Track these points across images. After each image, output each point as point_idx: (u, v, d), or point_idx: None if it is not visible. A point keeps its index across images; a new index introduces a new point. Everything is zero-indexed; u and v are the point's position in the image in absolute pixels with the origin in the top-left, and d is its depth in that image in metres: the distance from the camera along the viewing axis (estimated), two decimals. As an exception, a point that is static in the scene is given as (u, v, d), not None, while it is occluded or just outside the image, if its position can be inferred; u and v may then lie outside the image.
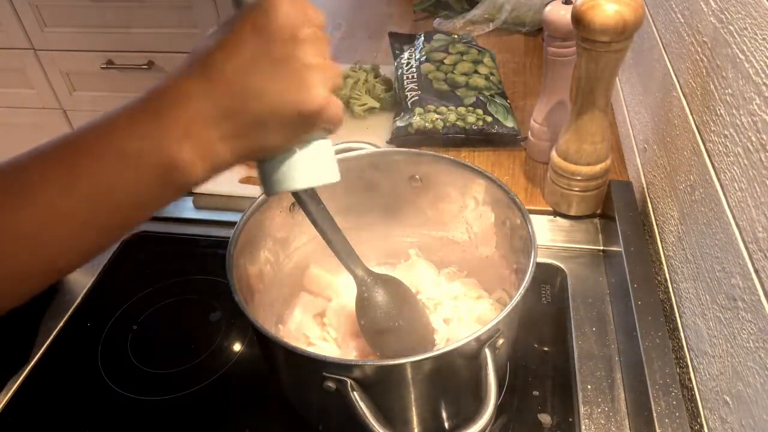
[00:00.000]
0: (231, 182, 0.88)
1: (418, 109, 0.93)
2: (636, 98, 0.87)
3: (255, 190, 0.84)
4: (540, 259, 0.73)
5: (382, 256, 0.71)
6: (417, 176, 0.65)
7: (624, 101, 0.95)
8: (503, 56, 1.13)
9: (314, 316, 0.65)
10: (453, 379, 0.51)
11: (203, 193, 0.87)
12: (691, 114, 0.62)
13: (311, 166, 0.43)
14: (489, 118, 0.91)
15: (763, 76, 0.46)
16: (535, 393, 0.62)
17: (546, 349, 0.66)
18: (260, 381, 0.64)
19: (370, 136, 0.95)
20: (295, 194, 0.57)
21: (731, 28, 0.53)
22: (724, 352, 0.50)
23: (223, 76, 0.37)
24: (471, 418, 0.46)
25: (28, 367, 0.67)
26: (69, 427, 0.62)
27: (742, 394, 0.46)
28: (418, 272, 0.68)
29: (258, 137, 0.39)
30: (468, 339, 0.47)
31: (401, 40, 1.13)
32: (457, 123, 0.91)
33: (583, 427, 0.58)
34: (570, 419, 0.59)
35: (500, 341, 0.49)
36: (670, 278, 0.66)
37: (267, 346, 0.54)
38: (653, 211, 0.75)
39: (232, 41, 0.37)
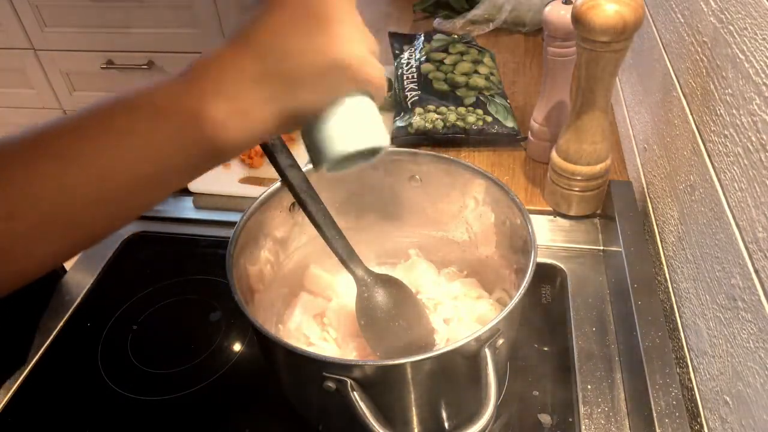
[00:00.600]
0: (231, 182, 0.88)
1: (418, 109, 0.93)
2: (636, 98, 0.87)
3: (255, 190, 0.84)
4: (540, 259, 0.73)
5: (382, 256, 0.71)
6: (417, 176, 0.65)
7: (624, 101, 0.95)
8: (503, 56, 1.13)
9: (314, 316, 0.65)
10: (453, 379, 0.51)
11: (203, 193, 0.87)
12: (691, 114, 0.62)
13: (356, 128, 0.42)
14: (489, 118, 0.91)
15: (763, 76, 0.46)
16: (535, 393, 0.62)
17: (546, 349, 0.66)
18: (260, 381, 0.64)
19: (370, 136, 0.94)
20: (296, 194, 0.57)
21: (731, 28, 0.53)
22: (724, 352, 0.50)
23: (259, 39, 0.37)
24: (471, 418, 0.46)
25: (28, 367, 0.67)
26: (69, 427, 0.62)
27: (742, 394, 0.46)
28: (418, 272, 0.68)
29: (295, 97, 0.38)
30: (468, 339, 0.47)
31: (401, 40, 1.13)
32: (457, 123, 0.91)
33: (583, 427, 0.58)
34: (570, 419, 0.59)
35: (500, 341, 0.49)
36: (670, 278, 0.66)
37: (267, 346, 0.54)
38: (653, 211, 0.75)
39: (269, 8, 0.38)
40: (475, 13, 1.22)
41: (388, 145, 0.44)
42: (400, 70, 1.02)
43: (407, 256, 0.71)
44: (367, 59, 0.40)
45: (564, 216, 0.81)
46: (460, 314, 0.64)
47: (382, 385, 0.48)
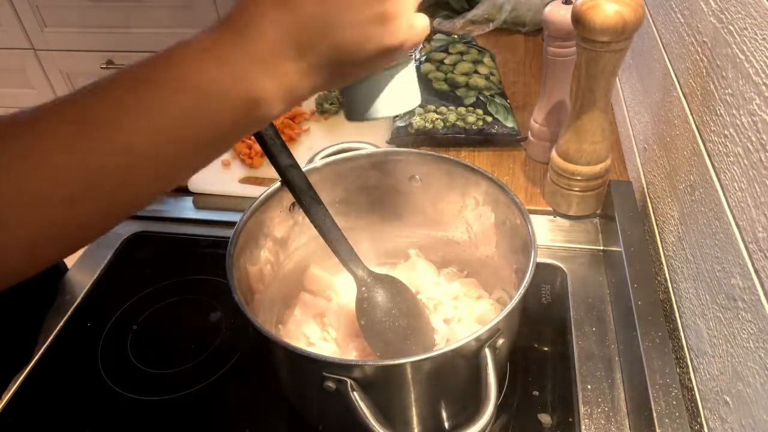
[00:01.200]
0: (231, 182, 0.88)
1: (418, 109, 0.93)
2: (636, 98, 0.87)
3: (255, 190, 0.84)
4: (540, 259, 0.73)
5: (382, 256, 0.71)
6: (417, 176, 0.65)
7: (624, 101, 0.95)
8: (503, 56, 1.13)
9: (314, 316, 0.65)
10: (453, 379, 0.51)
11: (203, 193, 0.87)
12: (691, 114, 0.62)
13: (396, 95, 0.44)
14: (489, 118, 0.91)
15: (763, 76, 0.46)
16: (535, 393, 0.62)
17: (546, 349, 0.66)
18: (260, 381, 0.64)
19: (370, 136, 0.95)
20: (295, 195, 0.57)
21: (731, 28, 0.53)
22: (724, 352, 0.50)
23: (303, 8, 0.36)
24: (471, 418, 0.46)
25: (29, 367, 0.67)
26: (69, 427, 0.62)
27: (742, 394, 0.46)
28: (418, 272, 0.68)
29: (339, 71, 0.38)
30: (468, 339, 0.47)
31: (401, 40, 1.13)
32: (457, 123, 0.91)
33: (583, 427, 0.58)
34: (570, 419, 0.59)
35: (500, 341, 0.49)
36: (670, 278, 0.66)
37: (267, 346, 0.53)
38: (653, 211, 0.75)
39: None
40: (475, 13, 1.22)
41: (419, 102, 0.47)
42: (400, 70, 1.02)
43: (407, 256, 0.71)
44: (416, 28, 0.39)
45: (564, 216, 0.81)
46: (460, 314, 0.64)
47: (382, 385, 0.49)
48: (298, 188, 0.57)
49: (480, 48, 1.06)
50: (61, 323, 0.72)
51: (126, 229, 0.83)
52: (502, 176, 0.86)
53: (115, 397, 0.64)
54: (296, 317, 0.65)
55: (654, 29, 0.79)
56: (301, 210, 0.58)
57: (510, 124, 0.91)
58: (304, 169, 0.58)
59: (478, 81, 0.97)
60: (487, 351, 0.48)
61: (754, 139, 0.47)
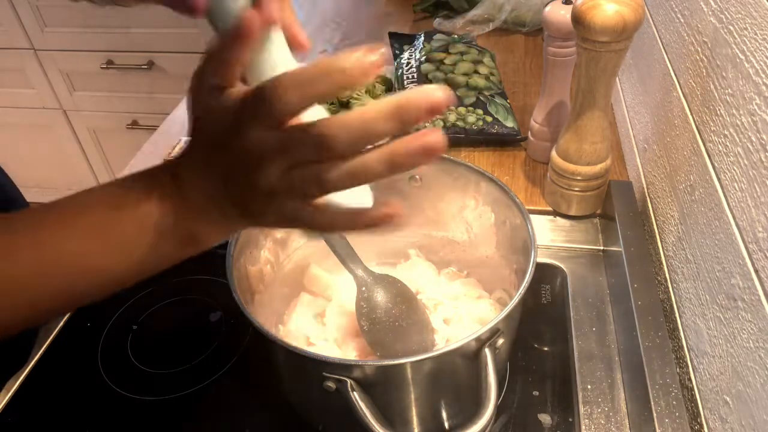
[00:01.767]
0: (231, 182, 0.88)
1: (418, 109, 0.93)
2: (636, 98, 0.87)
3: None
4: (540, 259, 0.73)
5: (382, 256, 0.71)
6: (417, 176, 0.65)
7: (624, 101, 0.95)
8: (503, 56, 1.13)
9: (314, 316, 0.65)
10: (453, 379, 0.51)
11: (203, 193, 0.87)
12: (691, 114, 0.62)
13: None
14: (489, 118, 0.91)
15: (763, 76, 0.46)
16: (535, 393, 0.62)
17: (546, 349, 0.66)
18: (260, 381, 0.64)
19: (370, 136, 0.94)
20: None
21: (731, 28, 0.53)
22: (724, 352, 0.50)
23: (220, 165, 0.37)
24: (471, 418, 0.46)
25: (28, 367, 0.67)
26: (69, 427, 0.62)
27: (742, 394, 0.46)
28: (418, 272, 0.68)
29: (264, 218, 0.38)
30: (468, 339, 0.47)
31: (401, 40, 1.13)
32: (457, 123, 0.91)
33: (583, 427, 0.58)
34: (570, 419, 0.59)
35: (500, 341, 0.49)
36: (670, 278, 0.66)
37: (267, 346, 0.53)
38: (653, 211, 0.75)
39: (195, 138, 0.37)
40: (475, 13, 1.22)
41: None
42: (400, 70, 1.02)
43: (407, 256, 0.71)
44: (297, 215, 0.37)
45: (564, 216, 0.81)
46: (460, 314, 0.64)
47: (382, 385, 0.48)
48: (298, 188, 0.56)
49: (480, 48, 1.06)
50: (61, 323, 0.72)
51: (126, 229, 0.83)
52: (502, 176, 0.86)
53: (115, 397, 0.64)
54: (296, 317, 0.65)
55: (654, 29, 0.79)
56: (301, 210, 0.58)
57: (510, 124, 0.91)
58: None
59: (478, 81, 0.97)
60: (487, 351, 0.48)
61: (754, 139, 0.47)
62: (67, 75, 1.96)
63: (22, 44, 1.89)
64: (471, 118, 0.91)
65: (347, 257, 0.58)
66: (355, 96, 1.00)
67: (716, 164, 0.55)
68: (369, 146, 0.35)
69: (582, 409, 0.60)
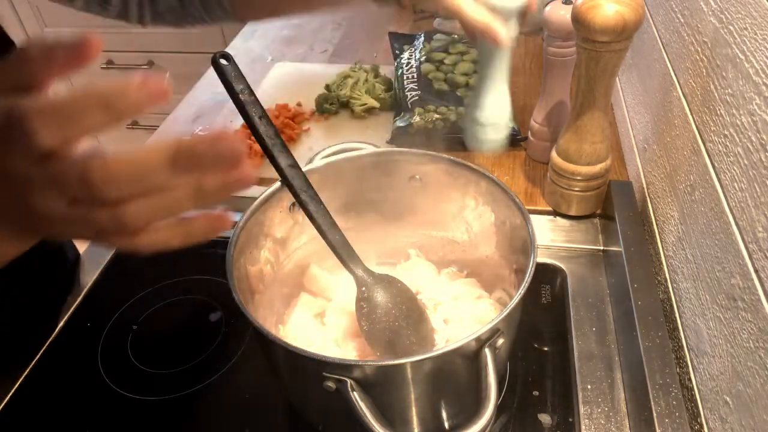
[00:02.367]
0: (231, 182, 0.88)
1: (418, 109, 0.93)
2: (636, 98, 0.87)
3: (255, 190, 0.84)
4: (540, 259, 0.73)
5: (382, 256, 0.71)
6: (417, 176, 0.65)
7: (624, 101, 0.95)
8: (503, 56, 1.13)
9: (314, 316, 0.65)
10: (453, 379, 0.51)
11: (203, 193, 0.87)
12: (691, 114, 0.62)
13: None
14: (489, 118, 0.91)
15: (763, 76, 0.46)
16: (535, 393, 0.62)
17: (546, 349, 0.66)
18: (260, 381, 0.64)
19: (370, 136, 0.95)
20: (295, 195, 0.57)
21: (731, 28, 0.53)
22: (724, 352, 0.50)
23: None
24: (471, 418, 0.46)
25: (28, 367, 0.67)
26: (69, 427, 0.62)
27: (742, 394, 0.46)
28: (418, 272, 0.68)
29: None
30: (468, 339, 0.47)
31: (401, 40, 1.13)
32: (457, 123, 0.91)
33: (583, 427, 0.58)
34: (570, 419, 0.59)
35: (500, 341, 0.49)
36: (670, 278, 0.66)
37: (267, 346, 0.53)
38: (653, 211, 0.75)
39: None
40: (475, 13, 1.22)
41: None
42: (400, 70, 1.02)
43: (407, 256, 0.71)
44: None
45: (564, 216, 0.81)
46: (460, 314, 0.64)
47: (382, 385, 0.48)
48: (298, 188, 0.57)
49: (480, 48, 1.06)
50: (61, 323, 0.72)
51: (126, 229, 0.83)
52: (502, 176, 0.86)
53: (115, 397, 0.64)
54: (296, 317, 0.65)
55: (654, 29, 0.79)
56: (301, 210, 0.58)
57: (510, 124, 0.91)
58: (304, 169, 0.58)
59: (478, 81, 0.97)
60: (487, 351, 0.48)
61: (754, 139, 0.47)
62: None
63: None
64: (471, 118, 0.91)
65: (347, 257, 0.58)
66: (355, 96, 1.00)
67: (716, 164, 0.55)
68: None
69: (582, 409, 0.60)
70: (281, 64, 1.17)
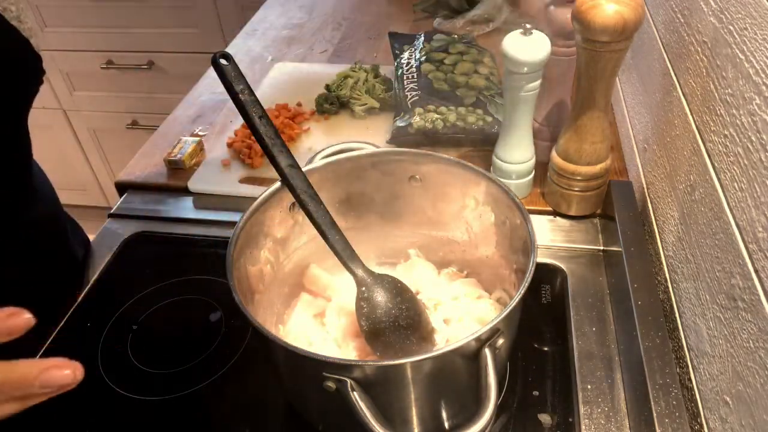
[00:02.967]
0: (231, 182, 0.88)
1: (418, 109, 0.93)
2: (636, 98, 0.87)
3: (255, 190, 0.84)
4: (540, 259, 0.73)
5: (382, 256, 0.71)
6: (417, 176, 0.65)
7: (624, 101, 0.95)
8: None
9: (314, 316, 0.65)
10: (453, 379, 0.51)
11: (203, 193, 0.88)
12: (691, 114, 0.62)
13: None
14: (489, 118, 0.91)
15: (763, 76, 0.46)
16: (535, 393, 0.62)
17: (546, 349, 0.66)
18: (260, 381, 0.64)
19: (370, 136, 0.95)
20: (295, 195, 0.57)
21: (731, 28, 0.53)
22: (724, 352, 0.50)
23: None
24: (471, 418, 0.46)
25: (28, 367, 0.67)
26: (69, 427, 0.62)
27: (742, 394, 0.46)
28: (418, 272, 0.68)
29: None
30: (468, 339, 0.47)
31: (401, 40, 1.13)
32: (457, 123, 0.91)
33: (583, 427, 0.58)
34: (570, 419, 0.59)
35: (500, 341, 0.49)
36: (670, 278, 0.66)
37: (267, 346, 0.54)
38: (653, 211, 0.75)
39: None
40: (475, 13, 1.22)
41: None
42: (400, 70, 1.02)
43: (407, 256, 0.71)
44: None
45: (564, 216, 0.81)
46: (460, 314, 0.64)
47: (382, 385, 0.48)
48: (298, 188, 0.57)
49: (480, 48, 1.06)
50: (61, 323, 0.72)
51: (126, 229, 0.83)
52: (502, 176, 0.86)
53: (115, 397, 0.64)
54: (296, 317, 0.65)
55: (654, 29, 0.79)
56: (301, 210, 0.58)
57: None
58: (304, 169, 0.58)
59: (478, 81, 0.97)
60: (487, 351, 0.48)
61: (754, 139, 0.47)
62: (67, 75, 1.96)
63: (22, 44, 1.88)
64: (471, 118, 0.91)
65: (347, 257, 0.58)
66: (355, 96, 1.00)
67: (716, 164, 0.55)
68: None
69: (582, 409, 0.60)
70: (281, 64, 1.17)
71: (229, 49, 1.13)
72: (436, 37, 1.08)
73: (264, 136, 0.55)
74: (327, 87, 1.04)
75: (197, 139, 0.94)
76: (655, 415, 0.52)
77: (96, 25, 1.81)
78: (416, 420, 0.53)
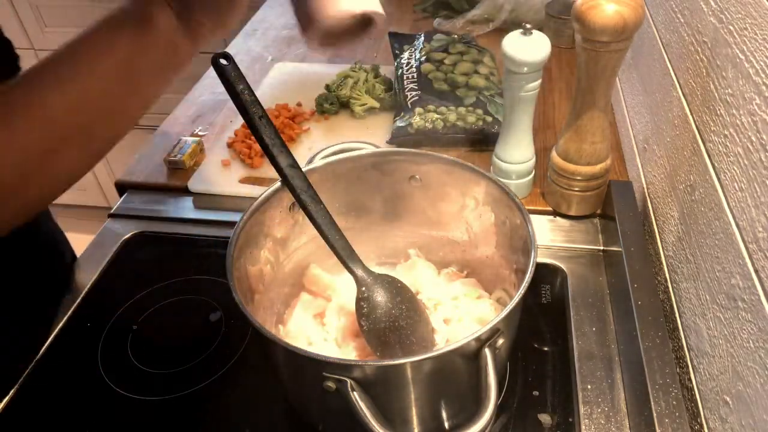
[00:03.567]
0: (231, 182, 0.88)
1: (418, 109, 0.93)
2: (636, 98, 0.87)
3: (255, 190, 0.84)
4: (540, 259, 0.73)
5: (382, 256, 0.71)
6: (417, 176, 0.65)
7: (624, 101, 0.95)
8: (503, 56, 1.13)
9: (314, 316, 0.65)
10: (453, 379, 0.51)
11: (203, 193, 0.87)
12: (691, 114, 0.62)
13: None
14: (489, 118, 0.91)
15: (763, 76, 0.46)
16: (535, 393, 0.62)
17: (546, 349, 0.66)
18: (260, 381, 0.64)
19: (370, 136, 0.95)
20: (295, 195, 0.57)
21: (731, 28, 0.53)
22: (724, 352, 0.50)
23: None
24: (471, 418, 0.46)
25: (28, 367, 0.67)
26: (69, 427, 0.62)
27: (742, 394, 0.46)
28: (418, 272, 0.68)
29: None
30: (468, 339, 0.47)
31: (401, 40, 1.13)
32: (457, 123, 0.91)
33: (583, 427, 0.58)
34: (570, 419, 0.59)
35: (500, 341, 0.49)
36: (670, 278, 0.66)
37: (267, 346, 0.54)
38: (653, 211, 0.75)
39: None
40: (475, 13, 1.22)
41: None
42: (400, 70, 1.02)
43: (407, 256, 0.71)
44: None
45: (564, 216, 0.81)
46: (460, 314, 0.64)
47: (382, 385, 0.48)
48: (298, 188, 0.57)
49: (480, 48, 1.06)
50: (61, 323, 0.71)
51: (126, 229, 0.83)
52: (502, 176, 0.86)
53: (115, 397, 0.64)
54: (296, 317, 0.65)
55: (654, 29, 0.79)
56: (301, 210, 0.58)
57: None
58: (304, 169, 0.58)
59: (478, 81, 0.97)
60: (487, 351, 0.48)
61: (754, 139, 0.47)
62: (67, 75, 1.96)
63: (22, 44, 1.88)
64: (471, 118, 0.91)
65: (347, 257, 0.58)
66: (355, 96, 1.00)
67: (716, 164, 0.55)
68: None
69: (582, 409, 0.60)
70: (281, 64, 1.17)
71: (229, 49, 1.13)
72: (436, 37, 1.08)
73: (264, 136, 0.55)
74: (327, 87, 1.04)
75: (197, 139, 0.94)
76: (655, 415, 0.52)
77: (96, 25, 1.81)
78: (416, 420, 0.53)
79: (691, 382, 0.58)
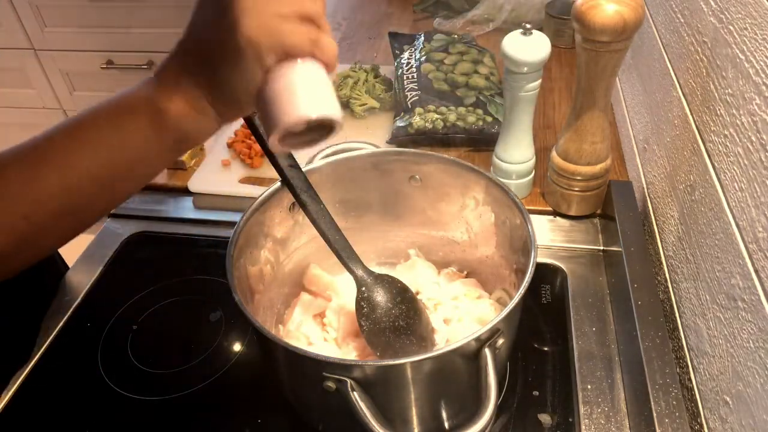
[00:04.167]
0: (231, 182, 0.88)
1: (418, 109, 0.93)
2: (636, 98, 0.87)
3: (255, 190, 0.84)
4: (540, 259, 0.73)
5: (382, 256, 0.71)
6: (417, 176, 0.65)
7: (624, 101, 0.95)
8: (503, 56, 1.13)
9: (314, 316, 0.65)
10: (453, 379, 0.51)
11: (203, 193, 0.87)
12: (691, 114, 0.62)
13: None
14: (489, 118, 0.91)
15: (763, 76, 0.46)
16: (535, 393, 0.62)
17: (546, 349, 0.66)
18: (260, 381, 0.64)
19: (370, 136, 0.95)
20: (295, 195, 0.57)
21: (731, 28, 0.53)
22: (724, 352, 0.50)
23: (187, 31, 0.43)
24: (471, 418, 0.46)
25: (28, 367, 0.67)
26: (69, 427, 0.62)
27: (742, 394, 0.46)
28: (418, 272, 0.68)
29: (216, 69, 0.41)
30: (468, 339, 0.47)
31: (401, 40, 1.13)
32: (457, 123, 0.91)
33: (583, 427, 0.58)
34: (570, 419, 0.59)
35: (500, 341, 0.49)
36: (670, 278, 0.66)
37: (267, 346, 0.54)
38: (653, 211, 0.75)
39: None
40: (475, 13, 1.22)
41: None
42: (400, 70, 1.02)
43: (407, 256, 0.71)
44: (285, 28, 0.38)
45: (564, 216, 0.81)
46: (460, 314, 0.64)
47: (382, 385, 0.49)
48: (298, 188, 0.57)
49: (480, 48, 1.06)
50: (61, 323, 0.71)
51: (126, 229, 0.83)
52: (502, 176, 0.86)
53: (115, 397, 0.64)
54: (296, 317, 0.65)
55: (654, 29, 0.79)
56: (301, 210, 0.58)
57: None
58: (304, 169, 0.58)
59: (478, 81, 0.97)
60: (487, 351, 0.48)
61: (754, 139, 0.47)
62: (67, 75, 1.96)
63: (22, 44, 1.88)
64: (471, 118, 0.91)
65: (347, 257, 0.58)
66: (355, 96, 1.00)
67: (716, 164, 0.55)
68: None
69: (582, 409, 0.60)
70: (281, 64, 1.16)
71: (229, 49, 1.12)
72: (436, 37, 1.08)
73: (264, 135, 0.55)
74: (327, 87, 1.04)
75: (197, 139, 0.94)
76: (655, 415, 0.52)
77: (96, 25, 1.81)
78: (416, 420, 0.53)
79: (691, 382, 0.58)
